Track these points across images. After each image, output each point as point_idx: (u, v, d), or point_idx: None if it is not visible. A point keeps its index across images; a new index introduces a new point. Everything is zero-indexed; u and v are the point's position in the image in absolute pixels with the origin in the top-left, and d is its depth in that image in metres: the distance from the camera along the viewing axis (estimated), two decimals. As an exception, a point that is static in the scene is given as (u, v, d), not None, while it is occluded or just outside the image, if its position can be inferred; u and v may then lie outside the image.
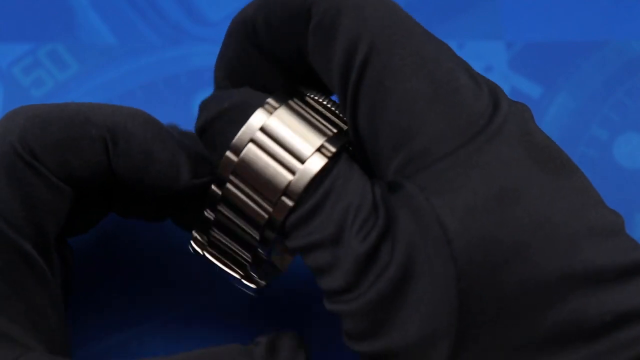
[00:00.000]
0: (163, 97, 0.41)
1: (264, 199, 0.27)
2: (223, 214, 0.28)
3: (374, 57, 0.25)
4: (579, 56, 0.43)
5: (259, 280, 0.30)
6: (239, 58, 0.29)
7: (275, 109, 0.27)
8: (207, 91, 0.42)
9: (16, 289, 0.27)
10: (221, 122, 0.28)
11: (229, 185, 0.27)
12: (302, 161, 0.26)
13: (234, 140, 0.27)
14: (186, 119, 0.41)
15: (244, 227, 0.28)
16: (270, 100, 0.27)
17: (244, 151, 0.27)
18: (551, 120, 0.41)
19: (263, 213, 0.27)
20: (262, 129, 0.27)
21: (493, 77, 0.42)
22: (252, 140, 0.27)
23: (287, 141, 0.26)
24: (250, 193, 0.27)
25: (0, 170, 0.27)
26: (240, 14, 0.29)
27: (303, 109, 0.28)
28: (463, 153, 0.24)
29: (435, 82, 0.25)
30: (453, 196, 0.24)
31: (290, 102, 0.27)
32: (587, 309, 0.23)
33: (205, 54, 0.42)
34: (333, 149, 0.26)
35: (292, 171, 0.26)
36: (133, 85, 0.42)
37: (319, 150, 0.26)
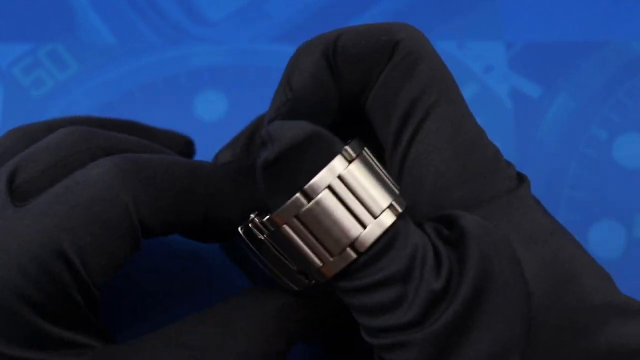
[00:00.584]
0: (163, 97, 0.41)
1: (325, 247, 0.26)
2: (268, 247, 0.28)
3: (440, 104, 0.28)
4: (579, 56, 0.43)
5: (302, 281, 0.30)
6: (313, 76, 0.29)
7: (352, 157, 0.26)
8: (207, 91, 0.42)
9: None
10: (297, 156, 0.25)
11: (286, 227, 0.26)
12: (374, 216, 0.26)
13: (311, 183, 0.25)
14: (186, 119, 0.41)
15: (288, 262, 0.28)
16: (348, 148, 0.26)
17: (319, 196, 0.25)
18: (551, 120, 0.41)
19: (317, 260, 0.26)
20: (340, 177, 0.25)
21: (493, 77, 0.42)
22: (330, 187, 0.25)
23: (361, 193, 0.26)
24: (310, 238, 0.26)
25: (102, 226, 0.28)
26: (324, 35, 0.29)
27: (373, 160, 0.27)
28: (503, 201, 0.27)
29: (472, 144, 0.28)
30: (515, 226, 0.27)
31: (364, 151, 0.27)
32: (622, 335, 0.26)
33: (205, 54, 0.42)
34: (400, 209, 0.26)
35: (363, 225, 0.26)
36: (133, 85, 0.42)
37: (390, 206, 0.26)
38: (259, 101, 0.41)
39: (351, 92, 0.29)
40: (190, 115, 0.41)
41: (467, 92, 0.41)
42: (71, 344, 0.28)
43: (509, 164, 0.29)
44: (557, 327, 0.26)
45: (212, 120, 0.41)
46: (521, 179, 0.28)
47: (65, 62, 0.42)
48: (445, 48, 0.42)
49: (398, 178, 0.28)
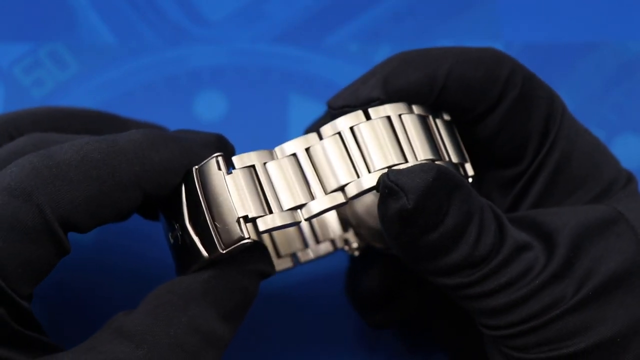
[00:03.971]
0: (163, 97, 0.41)
1: None
2: None
3: (564, 119, 0.31)
4: (576, 57, 0.43)
5: None
6: (410, 84, 0.30)
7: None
8: (207, 91, 0.42)
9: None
10: (429, 201, 0.27)
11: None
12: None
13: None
14: (186, 119, 0.41)
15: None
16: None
17: None
18: (549, 121, 0.41)
19: None
20: None
21: (491, 78, 0.42)
22: None
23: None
24: None
25: (18, 233, 0.26)
26: (429, 51, 0.31)
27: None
28: (631, 188, 0.31)
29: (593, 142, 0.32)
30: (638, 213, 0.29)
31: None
32: None
33: (205, 54, 0.42)
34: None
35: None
36: (133, 85, 0.42)
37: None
38: (259, 101, 0.41)
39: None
40: (190, 115, 0.41)
41: (466, 92, 0.41)
42: None
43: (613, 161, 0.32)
44: None
45: (212, 120, 0.41)
46: (629, 177, 0.32)
47: (66, 62, 0.42)
48: (444, 48, 0.42)
49: (531, 185, 0.31)
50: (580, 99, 0.42)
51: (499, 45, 0.43)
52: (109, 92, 0.41)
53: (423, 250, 0.27)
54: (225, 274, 0.28)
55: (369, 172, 0.28)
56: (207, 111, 0.41)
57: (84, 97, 0.41)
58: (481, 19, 0.43)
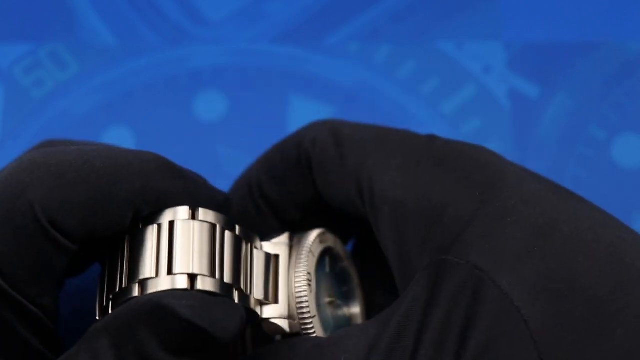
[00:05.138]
0: (163, 97, 0.41)
1: None
2: None
3: (374, 171, 0.29)
4: (577, 57, 0.43)
5: None
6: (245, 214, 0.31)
7: None
8: (207, 91, 0.42)
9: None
10: None
11: None
12: None
13: None
14: (186, 119, 0.41)
15: None
16: None
17: None
18: (549, 121, 0.41)
19: None
20: None
21: (491, 78, 0.42)
22: None
23: None
24: None
25: (9, 227, 0.25)
26: (245, 176, 0.32)
27: None
28: (488, 208, 0.26)
29: (428, 166, 0.28)
30: (496, 250, 0.25)
31: None
32: None
33: (205, 54, 0.42)
34: None
35: None
36: (133, 85, 0.42)
37: None
38: (259, 101, 0.41)
39: (298, 206, 0.31)
40: (190, 115, 0.41)
41: (466, 92, 0.41)
42: None
43: (474, 155, 0.29)
44: (569, 342, 0.24)
45: (212, 120, 0.41)
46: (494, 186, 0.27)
47: (66, 62, 0.42)
48: (444, 48, 0.42)
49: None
50: (580, 99, 0.42)
51: (499, 45, 0.43)
52: (109, 92, 0.41)
53: None
54: None
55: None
56: (207, 111, 0.41)
57: (83, 97, 0.41)
58: (481, 19, 0.43)
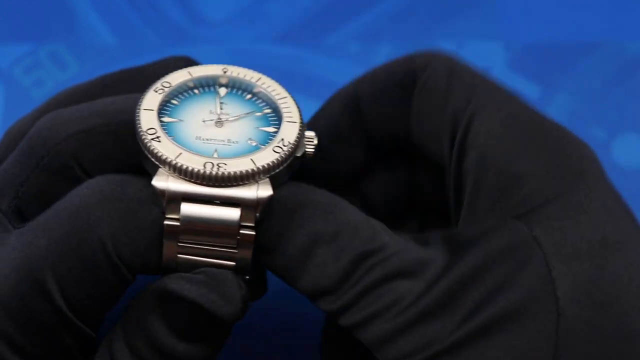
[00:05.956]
0: (163, 97, 0.41)
1: None
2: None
3: (480, 113, 0.28)
4: (577, 57, 0.43)
5: None
6: (338, 125, 0.30)
7: None
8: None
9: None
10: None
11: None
12: None
13: None
14: (186, 119, 0.41)
15: None
16: None
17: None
18: (550, 121, 0.41)
19: None
20: None
21: (492, 78, 0.42)
22: None
23: None
24: None
25: (79, 260, 0.25)
26: (346, 87, 0.31)
27: None
28: (573, 198, 0.26)
29: (533, 133, 0.28)
30: (561, 237, 0.25)
31: None
32: None
33: (205, 54, 0.42)
34: None
35: None
36: (133, 85, 0.42)
37: None
38: (259, 101, 0.41)
39: (386, 132, 0.30)
40: (191, 115, 0.41)
41: (466, 92, 0.42)
42: None
43: (579, 145, 0.28)
44: (594, 353, 0.24)
45: (212, 120, 0.41)
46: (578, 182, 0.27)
47: (66, 62, 0.42)
48: (444, 48, 0.42)
49: (459, 190, 0.28)
50: (580, 98, 0.42)
51: (499, 45, 0.43)
52: (109, 92, 0.42)
53: (278, 273, 0.26)
54: None
55: None
56: (207, 111, 0.41)
57: (84, 97, 0.41)
58: (481, 19, 0.44)
